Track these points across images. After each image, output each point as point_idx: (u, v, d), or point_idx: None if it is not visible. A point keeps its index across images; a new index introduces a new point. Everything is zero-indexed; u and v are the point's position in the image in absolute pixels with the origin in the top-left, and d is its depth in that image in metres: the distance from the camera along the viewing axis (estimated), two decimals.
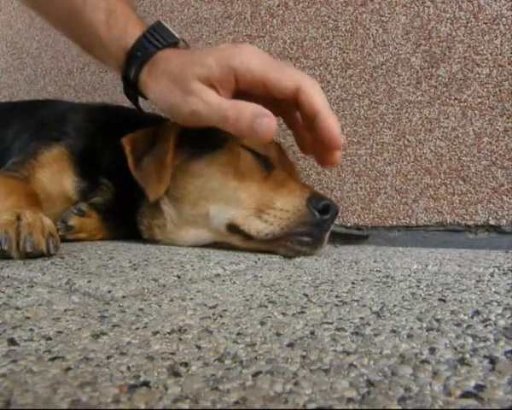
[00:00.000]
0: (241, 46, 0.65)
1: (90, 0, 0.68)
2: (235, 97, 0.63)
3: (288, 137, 0.95)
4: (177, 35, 0.69)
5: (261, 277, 0.49)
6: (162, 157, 0.70)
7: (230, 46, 0.65)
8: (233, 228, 0.66)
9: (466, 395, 0.20)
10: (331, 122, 0.59)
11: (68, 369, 0.23)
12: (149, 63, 0.66)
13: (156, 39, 0.67)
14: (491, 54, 0.76)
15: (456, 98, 0.79)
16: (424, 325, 0.31)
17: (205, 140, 0.72)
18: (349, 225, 0.88)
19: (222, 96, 0.62)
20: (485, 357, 0.25)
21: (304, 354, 0.26)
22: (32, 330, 0.29)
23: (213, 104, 0.60)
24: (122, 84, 0.71)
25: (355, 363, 0.24)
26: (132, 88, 0.70)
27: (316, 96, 0.60)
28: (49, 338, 0.28)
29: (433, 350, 0.26)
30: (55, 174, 0.78)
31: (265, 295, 0.40)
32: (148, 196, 0.70)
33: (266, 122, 0.57)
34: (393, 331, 0.29)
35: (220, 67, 0.61)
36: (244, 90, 0.63)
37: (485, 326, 0.30)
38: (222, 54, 0.62)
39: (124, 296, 0.39)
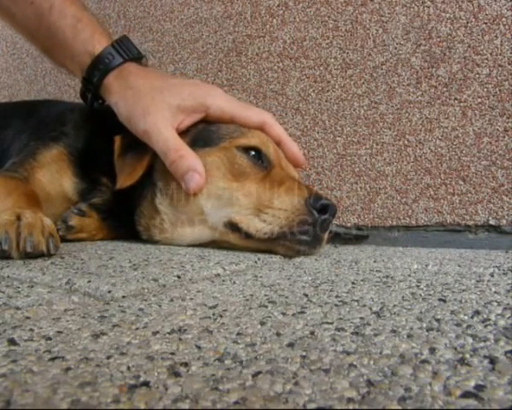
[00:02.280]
0: (212, 86, 0.78)
1: (56, 6, 0.74)
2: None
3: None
4: (141, 51, 0.77)
5: (261, 277, 0.49)
6: (142, 155, 0.72)
7: (202, 84, 0.77)
8: (231, 226, 0.66)
9: (466, 395, 0.20)
10: (295, 148, 0.75)
11: (68, 369, 0.23)
12: (115, 71, 0.72)
13: (124, 51, 0.73)
14: (491, 54, 0.76)
15: (456, 98, 0.79)
16: (424, 325, 0.31)
17: (201, 137, 0.72)
18: (349, 225, 0.88)
19: (183, 124, 0.70)
20: (485, 357, 0.25)
21: (304, 354, 0.26)
22: (31, 330, 0.29)
23: (163, 134, 0.68)
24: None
25: (355, 363, 0.24)
26: (92, 91, 0.75)
27: (278, 129, 0.75)
28: (49, 338, 0.28)
29: (433, 350, 0.26)
30: (55, 175, 0.78)
31: (265, 295, 0.40)
32: (117, 183, 0.72)
33: (196, 179, 0.67)
34: (393, 331, 0.29)
35: (194, 100, 0.70)
36: (212, 121, 0.73)
37: (485, 326, 0.30)
38: (197, 89, 0.72)
39: (124, 296, 0.39)
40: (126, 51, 0.73)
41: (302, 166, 0.77)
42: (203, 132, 0.72)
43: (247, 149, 0.70)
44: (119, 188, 0.71)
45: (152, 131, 0.68)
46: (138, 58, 0.76)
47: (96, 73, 0.72)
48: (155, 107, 0.68)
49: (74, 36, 0.73)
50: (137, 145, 0.72)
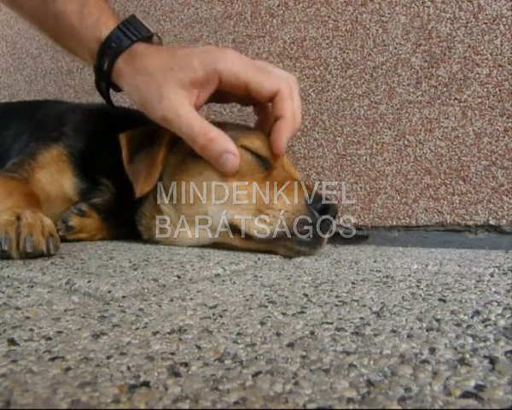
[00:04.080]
0: (225, 49, 0.68)
1: None
2: (214, 95, 0.67)
3: None
4: (151, 29, 0.71)
5: (261, 277, 0.49)
6: (154, 156, 0.71)
7: (214, 48, 0.69)
8: (232, 228, 0.66)
9: (466, 395, 0.20)
10: (283, 139, 0.67)
11: (68, 369, 0.23)
12: (124, 55, 0.67)
13: (131, 32, 0.68)
14: (491, 54, 0.76)
15: (456, 98, 0.79)
16: (424, 325, 0.31)
17: None
18: (349, 225, 0.88)
19: (200, 98, 0.66)
20: (485, 357, 0.25)
21: (304, 354, 0.26)
22: (31, 330, 0.29)
23: (184, 119, 0.63)
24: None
25: (355, 363, 0.24)
26: (105, 79, 0.71)
27: (286, 105, 0.67)
28: (49, 338, 0.28)
29: (433, 350, 0.26)
30: (55, 175, 0.78)
31: (265, 295, 0.40)
32: (135, 191, 0.71)
33: (232, 159, 0.64)
34: (393, 331, 0.29)
35: (205, 69, 0.64)
36: (225, 90, 0.67)
37: (485, 326, 0.30)
38: (207, 56, 0.65)
39: (124, 296, 0.39)
40: (134, 32, 0.69)
41: (278, 155, 0.70)
42: None
43: (248, 150, 0.70)
44: (139, 196, 0.70)
45: (171, 118, 0.64)
46: (148, 37, 0.71)
47: (105, 59, 0.68)
48: (168, 87, 0.64)
49: (81, 22, 0.69)
50: (145, 144, 0.72)
